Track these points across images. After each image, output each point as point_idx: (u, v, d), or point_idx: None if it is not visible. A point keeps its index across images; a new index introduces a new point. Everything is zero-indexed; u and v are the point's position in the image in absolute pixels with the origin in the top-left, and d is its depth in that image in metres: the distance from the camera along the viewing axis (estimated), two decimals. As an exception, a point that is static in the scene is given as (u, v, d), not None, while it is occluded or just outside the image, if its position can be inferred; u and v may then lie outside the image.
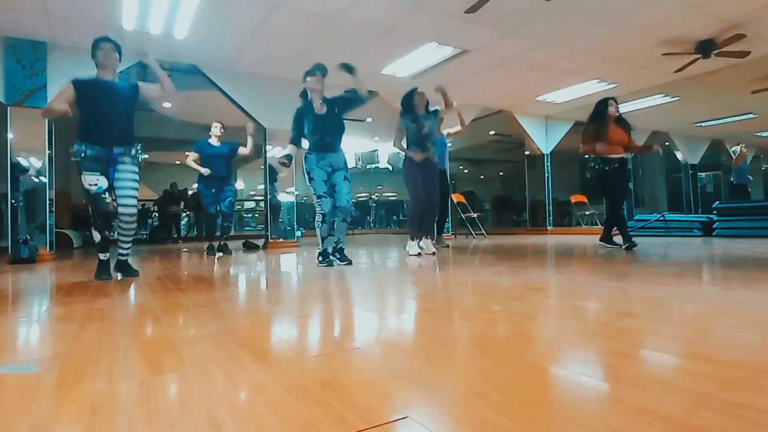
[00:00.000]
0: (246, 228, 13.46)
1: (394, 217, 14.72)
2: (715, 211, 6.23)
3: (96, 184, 2.60)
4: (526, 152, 9.56)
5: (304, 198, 10.22)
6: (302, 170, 3.46)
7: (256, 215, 13.79)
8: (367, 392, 0.80)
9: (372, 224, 14.64)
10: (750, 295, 1.64)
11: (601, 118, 4.11)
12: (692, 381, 0.80)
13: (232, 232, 6.42)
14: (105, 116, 2.65)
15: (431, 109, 4.23)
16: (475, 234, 7.83)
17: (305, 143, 3.44)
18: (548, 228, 8.95)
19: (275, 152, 6.42)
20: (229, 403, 0.76)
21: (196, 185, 5.57)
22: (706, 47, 5.31)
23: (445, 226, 7.55)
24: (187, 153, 5.24)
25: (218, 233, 5.14)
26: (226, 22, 4.60)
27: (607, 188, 4.19)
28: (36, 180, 4.78)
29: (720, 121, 9.71)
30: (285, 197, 6.61)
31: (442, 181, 4.71)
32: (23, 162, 4.74)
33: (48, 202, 4.88)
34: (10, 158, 4.66)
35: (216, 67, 5.77)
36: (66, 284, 2.58)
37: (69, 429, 0.70)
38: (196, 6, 4.22)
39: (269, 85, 6.11)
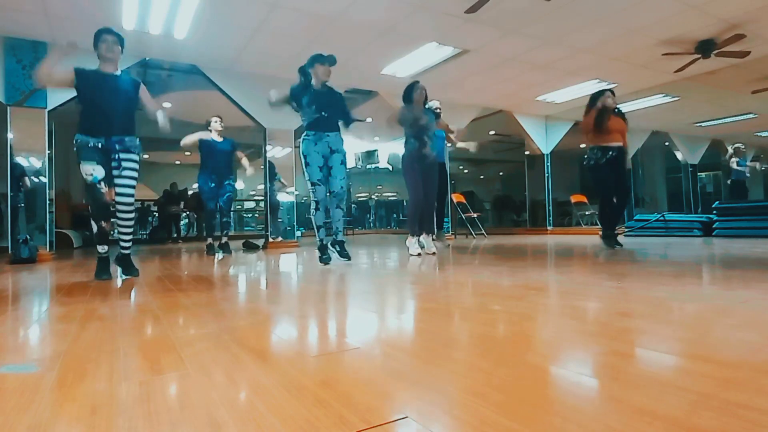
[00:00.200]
0: (246, 228, 13.45)
1: (394, 217, 14.72)
2: (714, 211, 6.23)
3: (92, 174, 2.60)
4: (526, 152, 9.56)
5: (304, 198, 10.21)
6: (299, 154, 3.43)
7: (256, 215, 13.78)
8: (367, 392, 0.80)
9: (372, 224, 14.64)
10: (750, 295, 1.64)
11: (598, 122, 4.07)
12: (692, 381, 0.80)
13: (232, 232, 6.43)
14: (104, 108, 2.65)
15: (432, 108, 4.24)
16: (475, 234, 7.83)
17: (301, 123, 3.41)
18: (548, 228, 8.95)
19: (275, 152, 6.42)
20: (229, 403, 0.76)
21: (196, 185, 5.58)
22: (706, 47, 5.31)
23: (445, 227, 7.56)
24: (187, 153, 5.25)
25: (218, 231, 5.14)
26: (226, 22, 4.60)
27: (604, 182, 4.11)
28: (36, 180, 4.78)
29: (720, 121, 9.72)
30: (285, 197, 6.62)
31: (441, 174, 4.71)
32: (23, 162, 4.73)
33: (48, 202, 4.88)
34: (10, 158, 4.67)
35: (216, 67, 5.78)
36: (66, 284, 2.58)
37: (69, 429, 0.70)
38: (196, 6, 4.22)
39: (269, 85, 6.06)
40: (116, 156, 2.68)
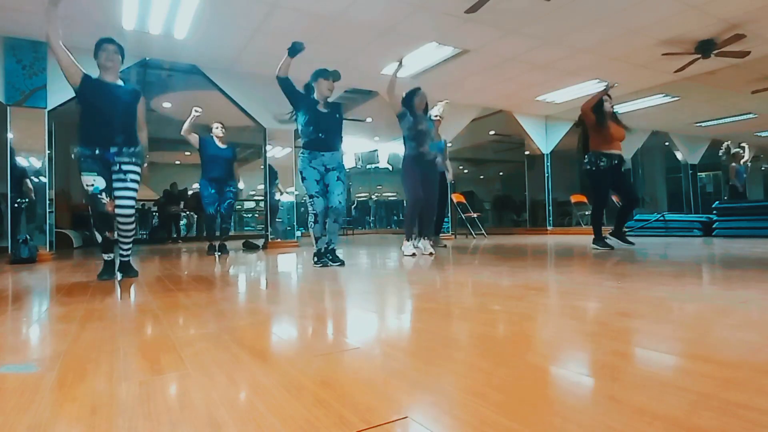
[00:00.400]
0: (246, 228, 13.46)
1: (394, 217, 14.72)
2: (714, 211, 6.23)
3: (93, 185, 2.60)
4: (526, 152, 9.56)
5: (304, 198, 10.22)
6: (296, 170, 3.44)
7: (256, 215, 13.79)
8: (367, 392, 0.80)
9: (372, 224, 14.64)
10: (750, 295, 1.64)
11: (599, 113, 4.06)
12: (692, 381, 0.80)
13: (232, 232, 6.43)
14: (104, 118, 2.64)
15: (430, 115, 4.26)
16: (475, 234, 7.83)
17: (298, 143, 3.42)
18: (548, 228, 8.95)
19: (275, 152, 6.43)
20: (229, 403, 0.76)
21: (196, 185, 5.59)
22: (706, 47, 5.31)
23: (445, 227, 7.58)
24: (187, 153, 5.26)
25: (218, 234, 5.16)
26: (226, 22, 4.60)
27: (603, 188, 4.09)
28: (36, 180, 4.78)
29: (720, 121, 9.71)
30: (284, 197, 6.62)
31: (442, 182, 4.73)
32: (23, 162, 4.74)
33: (48, 202, 4.88)
34: (10, 158, 4.67)
35: (216, 67, 5.78)
36: (66, 284, 2.58)
37: (69, 429, 0.70)
38: (196, 6, 4.22)
39: (269, 85, 6.08)
40: (116, 167, 2.68)
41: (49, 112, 4.81)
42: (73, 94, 2.68)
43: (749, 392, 0.74)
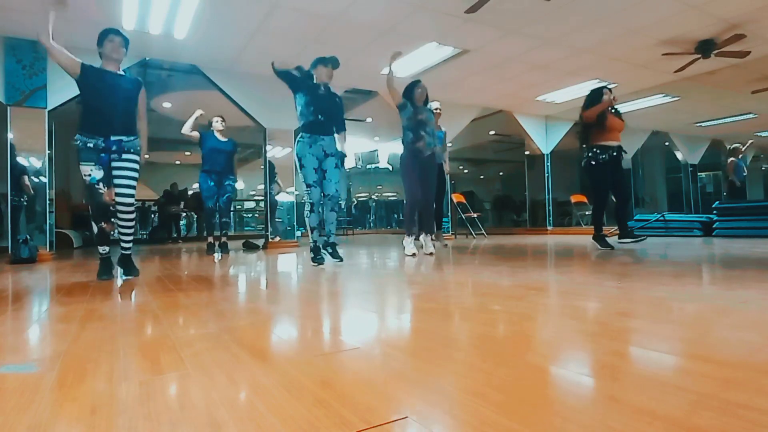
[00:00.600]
0: (246, 228, 13.46)
1: (395, 217, 14.72)
2: (715, 211, 6.23)
3: (90, 174, 2.60)
4: (526, 152, 9.56)
5: (303, 199, 10.22)
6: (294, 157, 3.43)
7: (256, 215, 13.80)
8: (367, 392, 0.80)
9: (372, 224, 14.64)
10: (750, 295, 1.64)
11: (597, 104, 4.05)
12: (692, 381, 0.80)
13: (232, 232, 6.43)
14: (105, 107, 2.65)
15: (431, 107, 4.26)
16: (475, 234, 7.83)
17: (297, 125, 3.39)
18: (548, 228, 8.95)
19: (275, 152, 6.43)
20: (229, 403, 0.76)
21: (196, 185, 5.59)
22: (706, 47, 5.31)
23: (445, 227, 7.57)
24: (187, 153, 5.26)
25: (217, 231, 5.15)
26: (226, 23, 4.60)
27: (602, 182, 4.07)
28: (36, 180, 4.78)
29: (720, 121, 9.71)
30: (284, 197, 6.62)
31: (440, 175, 4.71)
32: (23, 162, 4.74)
33: (48, 202, 4.88)
34: (10, 158, 4.67)
35: (216, 67, 5.78)
36: (66, 284, 2.58)
37: (69, 429, 0.70)
38: (196, 6, 4.22)
39: (269, 85, 6.08)
40: (116, 156, 2.68)
41: (49, 112, 4.80)
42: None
43: (749, 392, 0.74)
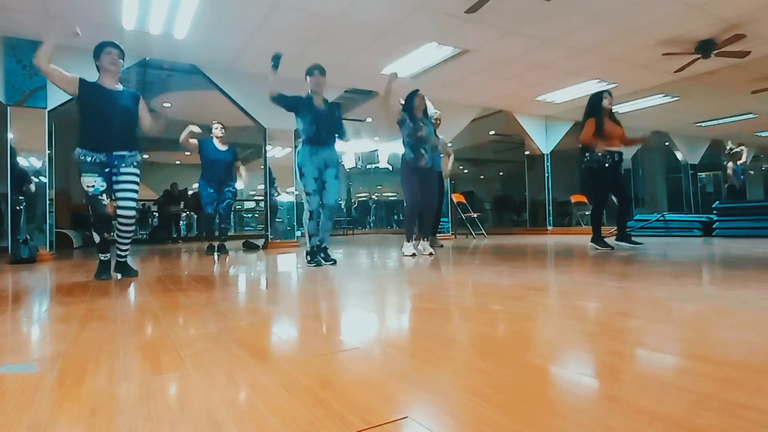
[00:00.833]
0: (246, 228, 13.46)
1: (394, 217, 14.72)
2: (715, 211, 6.23)
3: (93, 186, 2.61)
4: (526, 152, 9.56)
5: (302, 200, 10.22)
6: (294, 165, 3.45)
7: (256, 215, 13.79)
8: (367, 392, 0.80)
9: (372, 224, 14.64)
10: (750, 295, 1.64)
11: (597, 111, 4.05)
12: (692, 381, 0.80)
13: (232, 233, 6.43)
14: (105, 124, 2.65)
15: (431, 117, 4.27)
16: (475, 234, 7.83)
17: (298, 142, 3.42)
18: (548, 228, 8.95)
19: (275, 152, 6.42)
20: (229, 403, 0.76)
21: (196, 185, 5.59)
22: (706, 47, 5.31)
23: (445, 227, 7.58)
24: (187, 153, 5.25)
25: (217, 234, 5.17)
26: (226, 22, 4.60)
27: (604, 186, 4.07)
28: (36, 180, 4.78)
29: (720, 121, 9.71)
30: (284, 197, 6.62)
31: (439, 183, 4.74)
32: (23, 162, 4.73)
33: (48, 202, 4.88)
34: (10, 158, 4.66)
35: (216, 67, 5.77)
36: (66, 284, 2.58)
37: (69, 429, 0.70)
38: (196, 6, 4.22)
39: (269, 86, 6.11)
40: (117, 170, 2.69)
41: (49, 112, 4.81)
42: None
43: (749, 392, 0.74)
